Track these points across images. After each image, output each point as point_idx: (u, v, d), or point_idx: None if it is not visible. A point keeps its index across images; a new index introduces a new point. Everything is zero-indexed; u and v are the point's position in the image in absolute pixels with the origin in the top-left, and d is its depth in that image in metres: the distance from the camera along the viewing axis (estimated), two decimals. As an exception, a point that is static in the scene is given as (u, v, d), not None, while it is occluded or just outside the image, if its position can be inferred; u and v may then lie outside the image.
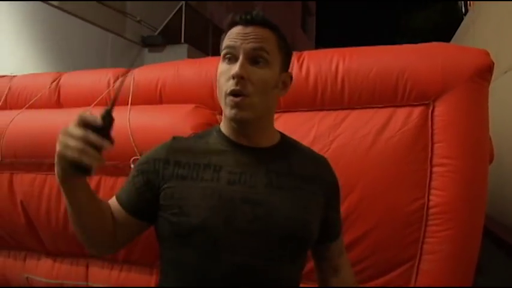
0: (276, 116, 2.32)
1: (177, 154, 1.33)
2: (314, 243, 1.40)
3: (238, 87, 1.24)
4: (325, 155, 2.14)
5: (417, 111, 2.12)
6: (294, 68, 2.36)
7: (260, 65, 1.27)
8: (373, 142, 2.14)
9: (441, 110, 2.09)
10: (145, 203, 1.31)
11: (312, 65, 2.35)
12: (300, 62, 2.38)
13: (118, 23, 9.84)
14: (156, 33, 10.91)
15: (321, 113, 2.31)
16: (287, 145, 1.44)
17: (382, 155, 2.12)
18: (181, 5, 11.06)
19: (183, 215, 1.22)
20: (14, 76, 3.39)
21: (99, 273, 2.81)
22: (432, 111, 2.11)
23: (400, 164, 2.10)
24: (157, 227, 1.32)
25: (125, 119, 2.49)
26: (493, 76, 2.14)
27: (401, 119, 2.13)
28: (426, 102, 2.12)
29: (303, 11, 24.52)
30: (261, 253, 1.24)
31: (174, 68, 2.74)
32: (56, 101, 3.09)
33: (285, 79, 1.39)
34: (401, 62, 2.19)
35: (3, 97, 3.21)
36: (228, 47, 1.29)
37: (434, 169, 2.07)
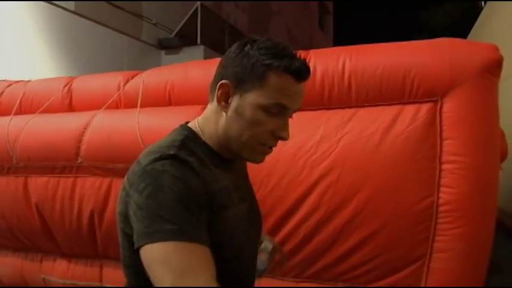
0: (282, 115, 2.35)
1: (203, 183, 1.20)
2: None
3: (276, 144, 1.28)
4: (333, 154, 2.17)
5: (425, 108, 2.10)
6: (301, 67, 2.35)
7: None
8: (380, 140, 2.11)
9: (450, 106, 2.06)
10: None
11: (319, 63, 2.33)
12: (307, 61, 2.35)
13: (134, 26, 9.87)
14: (172, 36, 10.92)
15: (328, 112, 2.30)
16: None
17: (390, 153, 2.09)
18: (197, 7, 11.05)
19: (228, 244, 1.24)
20: (28, 81, 3.44)
21: (113, 273, 2.84)
22: (440, 108, 2.08)
23: (408, 161, 2.07)
24: None
25: (134, 121, 2.49)
26: (510, 71, 2.10)
27: (409, 116, 2.11)
28: (434, 98, 2.09)
29: (320, 10, 24.36)
30: (256, 244, 1.48)
31: (182, 70, 2.75)
32: (68, 104, 3.14)
33: None
34: (408, 58, 2.17)
35: (18, 102, 3.26)
36: (283, 106, 1.22)
37: (444, 166, 2.04)
